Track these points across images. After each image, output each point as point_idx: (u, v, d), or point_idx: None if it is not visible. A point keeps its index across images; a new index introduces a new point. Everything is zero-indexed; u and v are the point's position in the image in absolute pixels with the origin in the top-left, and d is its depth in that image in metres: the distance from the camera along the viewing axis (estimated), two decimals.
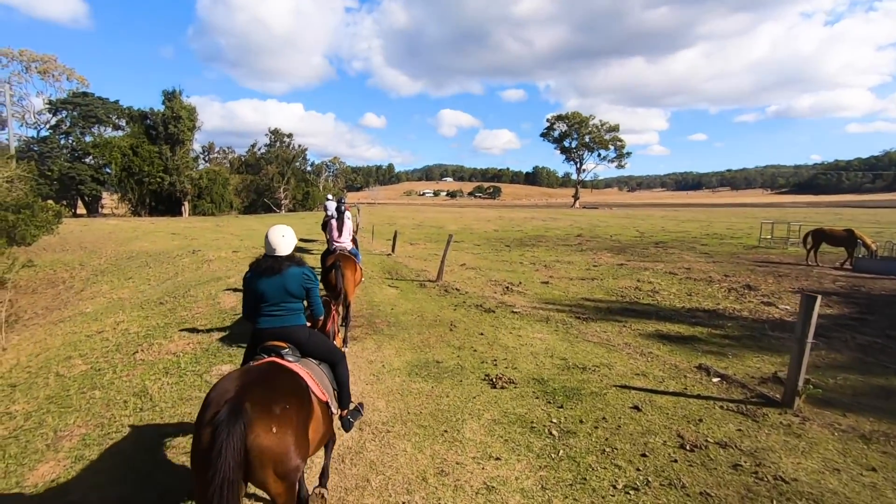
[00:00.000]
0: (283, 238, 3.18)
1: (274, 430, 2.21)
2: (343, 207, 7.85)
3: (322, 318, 3.52)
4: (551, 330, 7.18)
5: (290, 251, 3.22)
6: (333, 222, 7.65)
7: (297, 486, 2.39)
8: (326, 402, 2.89)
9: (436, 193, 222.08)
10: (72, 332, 9.68)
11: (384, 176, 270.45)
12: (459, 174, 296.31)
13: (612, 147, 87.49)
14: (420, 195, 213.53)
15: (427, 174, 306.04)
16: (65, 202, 44.93)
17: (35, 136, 42.27)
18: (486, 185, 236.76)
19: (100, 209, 47.21)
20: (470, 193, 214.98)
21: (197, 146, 55.40)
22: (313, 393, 2.75)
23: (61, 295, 14.43)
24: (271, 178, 58.79)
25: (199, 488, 2.07)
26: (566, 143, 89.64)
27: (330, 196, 17.99)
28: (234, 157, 72.15)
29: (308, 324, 3.32)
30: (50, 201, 20.67)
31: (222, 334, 7.07)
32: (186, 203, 46.66)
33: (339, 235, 7.53)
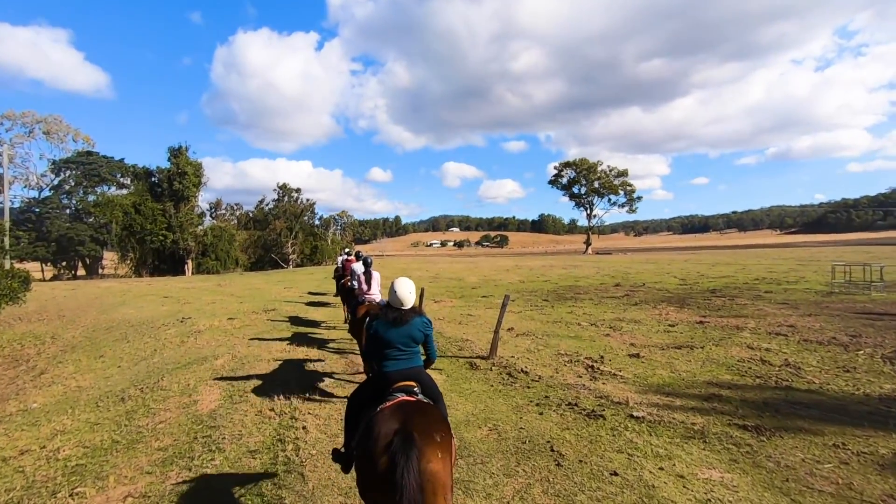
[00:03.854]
0: (410, 294, 3.46)
1: (439, 455, 2.43)
2: (370, 260, 8.42)
3: (435, 360, 3.67)
4: (726, 460, 4.35)
5: (413, 303, 3.47)
6: (362, 276, 8.04)
7: None
8: None
9: (443, 244, 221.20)
10: None
11: (391, 228, 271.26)
12: (466, 224, 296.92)
13: (621, 192, 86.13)
14: (427, 246, 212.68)
15: (434, 225, 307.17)
16: (64, 263, 43.20)
17: (37, 196, 41.03)
18: (492, 233, 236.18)
19: (100, 270, 45.29)
20: (477, 243, 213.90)
21: (204, 203, 54.35)
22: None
23: (18, 379, 11.78)
24: (279, 232, 57.29)
25: None
26: (575, 190, 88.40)
27: (347, 250, 15.68)
28: (241, 214, 71.28)
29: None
30: (7, 266, 18.30)
31: (182, 485, 4.35)
32: (190, 261, 44.69)
33: (369, 289, 7.81)
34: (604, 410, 5.60)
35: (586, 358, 8.22)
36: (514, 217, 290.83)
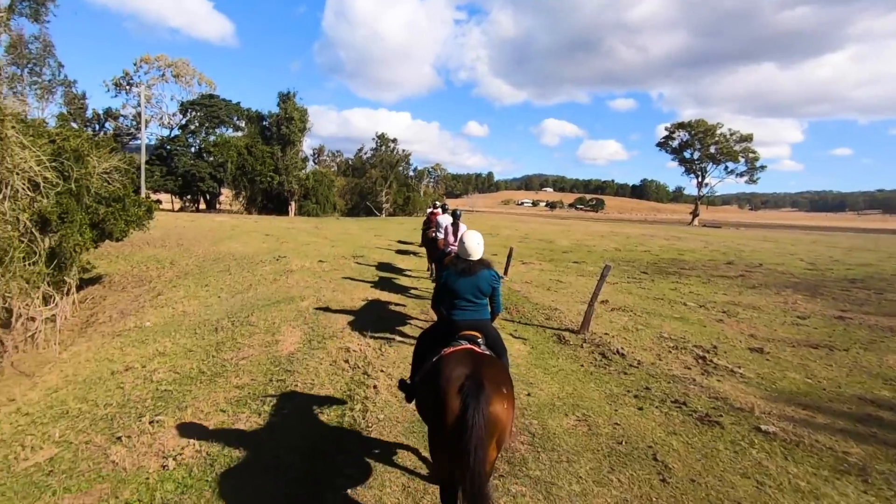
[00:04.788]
0: (479, 245, 3.55)
1: (505, 405, 2.57)
2: (459, 212, 8.61)
3: (500, 313, 3.74)
4: None
5: (482, 255, 3.56)
6: (449, 227, 8.40)
7: None
8: None
9: (534, 203, 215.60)
10: (108, 360, 7.67)
11: (483, 184, 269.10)
12: (560, 184, 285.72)
13: (742, 159, 76.48)
14: (518, 204, 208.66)
15: (526, 183, 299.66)
16: (188, 197, 48.09)
17: (168, 135, 45.49)
18: (588, 196, 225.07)
19: (217, 205, 49.82)
20: (571, 205, 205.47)
21: (308, 149, 57.15)
22: None
23: (140, 298, 13.13)
24: (375, 181, 58.80)
25: (452, 449, 2.42)
26: (686, 154, 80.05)
27: (436, 203, 15.34)
28: (341, 161, 74.19)
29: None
30: (143, 196, 20.21)
31: (248, 432, 4.22)
32: (293, 203, 47.58)
33: (455, 239, 7.90)
34: (721, 416, 4.63)
35: (695, 346, 7.10)
36: (612, 181, 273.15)
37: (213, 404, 4.81)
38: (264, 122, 47.00)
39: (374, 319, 7.84)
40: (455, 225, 8.34)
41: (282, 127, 44.60)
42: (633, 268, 16.73)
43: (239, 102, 47.04)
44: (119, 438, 4.25)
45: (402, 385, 3.44)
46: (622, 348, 6.75)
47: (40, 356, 10.69)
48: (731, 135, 77.16)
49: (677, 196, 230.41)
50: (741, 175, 78.01)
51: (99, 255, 16.47)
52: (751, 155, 76.68)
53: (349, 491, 3.30)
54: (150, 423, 4.48)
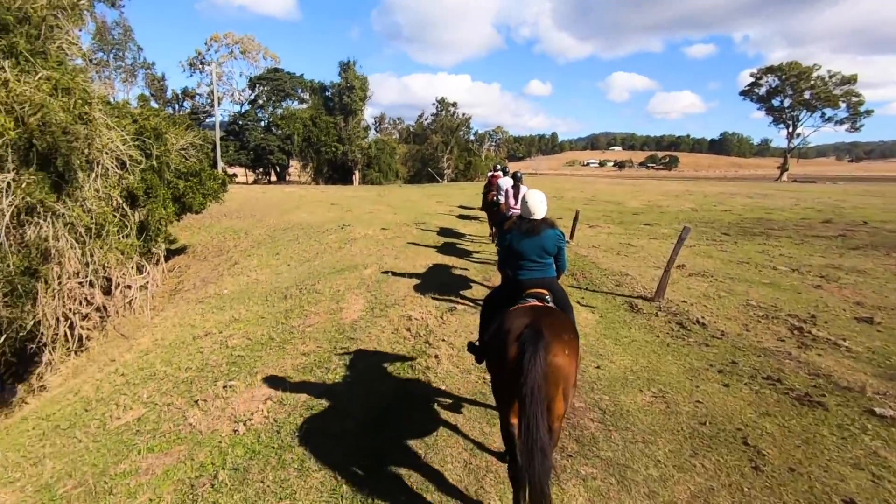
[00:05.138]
0: (541, 204, 3.45)
1: (566, 352, 2.53)
2: (520, 175, 8.65)
3: (566, 271, 3.67)
4: None
5: (545, 214, 3.45)
6: (510, 190, 8.26)
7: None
8: None
9: (601, 163, 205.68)
10: (190, 325, 8.22)
11: (546, 145, 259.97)
12: (630, 142, 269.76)
13: (842, 104, 67.61)
14: (584, 165, 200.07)
15: (593, 143, 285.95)
16: (260, 170, 50.50)
17: (239, 110, 47.58)
18: (661, 153, 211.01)
19: (287, 177, 51.94)
20: (641, 163, 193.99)
21: (369, 118, 57.66)
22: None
23: (219, 266, 14.01)
24: (436, 147, 58.52)
25: (511, 394, 2.47)
26: (776, 102, 72.00)
27: (497, 165, 14.90)
28: (402, 128, 74.32)
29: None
30: (220, 170, 21.26)
31: (312, 399, 4.27)
32: (357, 172, 48.59)
33: (515, 202, 7.85)
34: (824, 396, 4.09)
35: (789, 315, 6.37)
36: (688, 135, 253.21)
37: (280, 371, 4.95)
38: (327, 93, 47.84)
39: (436, 285, 7.78)
40: (516, 187, 8.27)
41: (343, 96, 45.19)
42: (713, 229, 15.47)
43: (302, 75, 48.06)
44: (196, 402, 4.48)
45: (470, 347, 3.60)
46: (703, 317, 6.18)
47: (137, 320, 11.76)
48: (830, 77, 68.16)
49: (762, 150, 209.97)
50: (841, 123, 69.12)
51: (183, 227, 17.71)
52: (853, 99, 67.52)
53: (410, 464, 3.24)
54: (223, 387, 4.69)
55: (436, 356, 4.95)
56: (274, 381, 4.67)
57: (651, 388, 4.27)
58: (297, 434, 3.68)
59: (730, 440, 3.48)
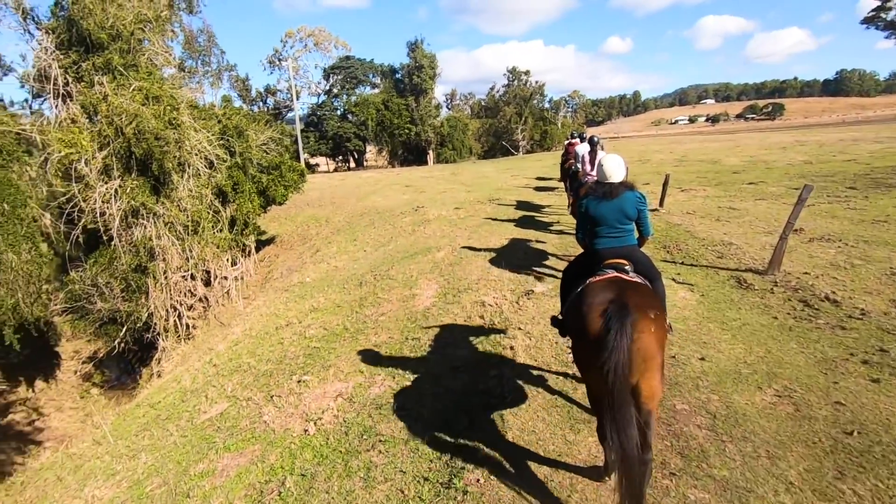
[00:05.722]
0: (619, 167, 3.27)
1: (652, 329, 2.40)
2: (597, 139, 8.29)
3: (650, 237, 3.46)
4: None
5: (623, 177, 3.29)
6: (586, 156, 8.03)
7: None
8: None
9: (692, 119, 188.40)
10: (274, 315, 8.54)
11: (628, 106, 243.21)
12: (724, 93, 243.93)
13: None
14: (672, 123, 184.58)
15: (680, 98, 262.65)
16: (339, 158, 52.41)
17: (317, 101, 49.43)
18: (761, 102, 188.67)
19: (364, 162, 53.44)
20: (738, 115, 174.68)
21: (440, 95, 57.26)
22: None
23: (303, 255, 14.61)
24: (509, 119, 56.86)
25: (596, 369, 2.30)
26: None
27: (574, 133, 13.94)
28: (474, 103, 73.07)
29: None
30: (302, 162, 22.11)
31: (381, 398, 4.07)
32: (431, 151, 48.68)
33: (592, 168, 7.60)
34: None
35: None
36: (795, 78, 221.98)
37: (352, 364, 4.85)
38: (397, 75, 48.09)
39: (512, 264, 7.34)
40: (592, 153, 7.96)
41: (413, 77, 45.12)
42: (834, 183, 13.26)
43: (372, 60, 48.70)
44: (272, 398, 4.51)
45: (553, 321, 3.50)
46: (833, 292, 5.15)
47: (233, 309, 12.61)
48: None
49: (893, 85, 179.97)
50: None
51: (270, 219, 18.69)
52: None
53: (481, 479, 2.89)
54: (297, 382, 4.68)
55: (511, 347, 4.54)
56: (346, 375, 4.57)
57: (773, 384, 3.54)
58: (364, 437, 3.51)
59: (890, 457, 2.72)
